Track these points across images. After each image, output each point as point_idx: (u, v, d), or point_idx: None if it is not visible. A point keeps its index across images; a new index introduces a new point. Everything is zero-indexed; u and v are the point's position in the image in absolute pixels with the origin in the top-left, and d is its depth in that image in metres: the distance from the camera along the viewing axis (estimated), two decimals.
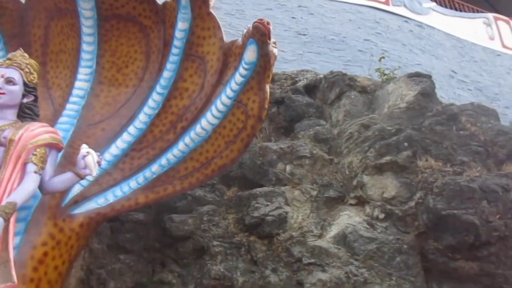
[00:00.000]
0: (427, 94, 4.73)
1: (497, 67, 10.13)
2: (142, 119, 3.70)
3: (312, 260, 3.58)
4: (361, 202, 4.02)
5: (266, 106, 3.43)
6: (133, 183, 3.47)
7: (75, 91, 3.75)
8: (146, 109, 3.72)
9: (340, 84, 5.37)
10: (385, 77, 5.85)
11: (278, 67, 7.02)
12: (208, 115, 3.50)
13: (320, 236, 3.83)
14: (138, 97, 3.80)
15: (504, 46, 10.87)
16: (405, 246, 3.59)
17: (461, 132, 4.47)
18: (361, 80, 5.64)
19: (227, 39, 3.56)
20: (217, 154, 3.49)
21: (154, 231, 4.05)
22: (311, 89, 5.77)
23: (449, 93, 8.49)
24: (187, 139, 3.54)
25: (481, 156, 4.27)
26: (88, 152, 2.73)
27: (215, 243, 3.80)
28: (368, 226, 3.75)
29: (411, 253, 3.58)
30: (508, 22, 11.54)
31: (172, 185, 3.50)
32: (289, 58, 7.95)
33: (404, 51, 8.99)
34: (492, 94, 9.28)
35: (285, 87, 5.84)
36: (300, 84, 5.85)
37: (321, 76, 5.88)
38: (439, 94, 7.02)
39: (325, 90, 5.55)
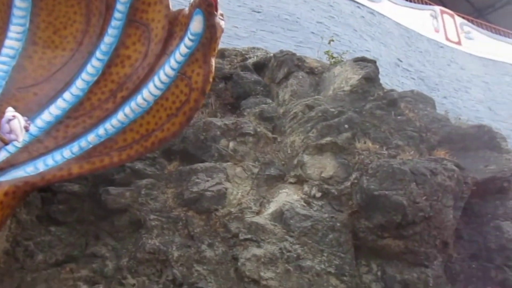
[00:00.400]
0: (371, 78, 4.85)
1: (439, 59, 10.61)
2: (79, 86, 3.52)
3: (249, 236, 3.62)
4: (300, 180, 4.10)
5: (211, 79, 3.38)
6: (67, 152, 3.31)
7: (4, 50, 3.48)
8: (84, 75, 3.54)
9: (288, 63, 5.38)
10: (333, 60, 5.95)
11: (230, 43, 6.92)
12: (151, 85, 3.39)
13: (258, 213, 3.87)
14: (75, 62, 3.60)
15: (447, 39, 11.37)
16: (338, 224, 3.72)
17: (399, 117, 4.66)
18: (309, 61, 5.69)
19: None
20: (158, 127, 3.40)
21: (89, 203, 3.92)
22: (260, 67, 5.75)
23: (393, 81, 8.80)
24: (127, 110, 3.42)
25: (415, 141, 4.48)
26: (14, 116, 2.57)
27: (152, 217, 3.74)
28: (305, 204, 3.84)
29: (344, 231, 3.71)
30: (452, 16, 12.06)
31: (109, 157, 3.38)
32: (242, 35, 7.85)
33: (354, 36, 9.15)
34: (433, 84, 9.73)
35: (235, 64, 5.78)
36: (250, 61, 5.81)
37: (271, 54, 5.87)
38: (384, 81, 7.25)
39: (274, 69, 5.55)
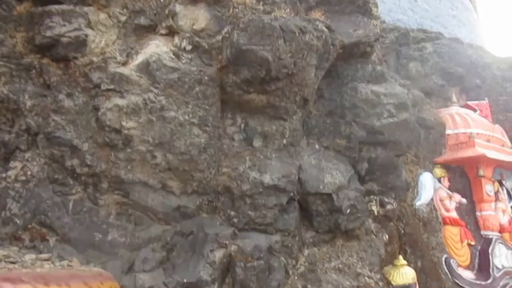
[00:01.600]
0: None
1: None
2: None
3: (112, 87, 3.46)
4: (172, 32, 3.88)
5: None
6: None
7: None
8: None
9: None
10: None
11: None
12: None
13: (124, 64, 3.66)
14: None
15: None
16: (206, 78, 3.71)
17: None
18: None
19: None
20: None
21: None
22: None
23: None
24: None
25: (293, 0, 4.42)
26: None
27: None
28: (173, 57, 3.70)
29: (211, 84, 3.73)
30: None
31: None
32: None
33: None
34: None
35: None
36: None
37: None
38: None
39: None
